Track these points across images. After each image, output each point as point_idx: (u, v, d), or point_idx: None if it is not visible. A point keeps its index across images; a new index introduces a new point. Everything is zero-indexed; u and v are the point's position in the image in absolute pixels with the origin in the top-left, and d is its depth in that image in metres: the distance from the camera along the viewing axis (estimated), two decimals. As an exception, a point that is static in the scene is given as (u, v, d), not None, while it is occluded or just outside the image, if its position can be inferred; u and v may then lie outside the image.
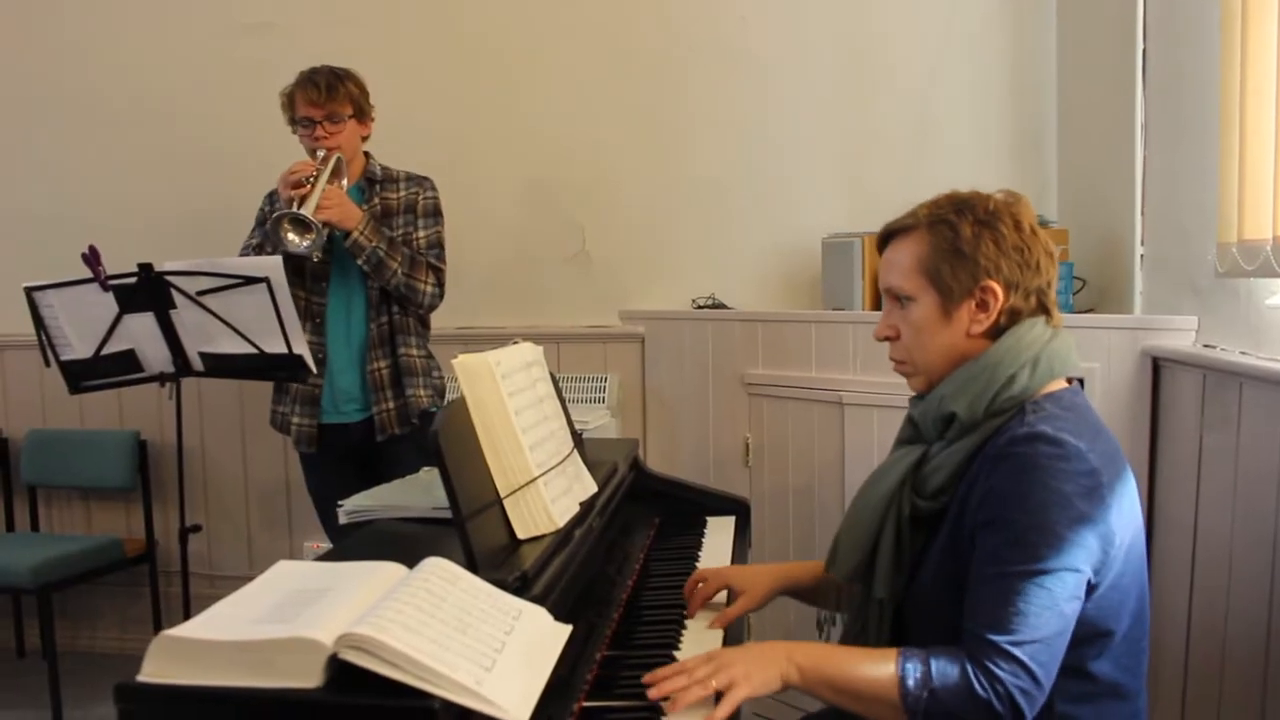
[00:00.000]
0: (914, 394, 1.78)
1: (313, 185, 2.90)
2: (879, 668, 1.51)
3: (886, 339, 1.76)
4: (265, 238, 2.97)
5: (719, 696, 1.49)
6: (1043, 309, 1.67)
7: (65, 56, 4.25)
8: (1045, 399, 1.61)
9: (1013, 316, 1.65)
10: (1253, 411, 2.27)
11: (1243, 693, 2.30)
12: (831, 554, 1.81)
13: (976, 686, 1.45)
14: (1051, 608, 1.47)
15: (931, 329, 1.67)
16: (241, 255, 3.11)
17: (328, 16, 4.04)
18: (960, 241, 1.64)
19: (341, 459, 3.18)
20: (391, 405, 3.10)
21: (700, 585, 1.97)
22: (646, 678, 1.52)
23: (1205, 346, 2.60)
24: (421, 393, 3.12)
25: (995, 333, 1.65)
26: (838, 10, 3.78)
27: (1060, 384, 1.66)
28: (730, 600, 1.95)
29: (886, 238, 1.75)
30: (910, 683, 1.48)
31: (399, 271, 3.00)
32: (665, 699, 1.49)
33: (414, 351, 3.13)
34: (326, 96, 3.03)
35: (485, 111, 4.01)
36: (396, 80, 3.80)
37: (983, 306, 1.64)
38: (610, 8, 3.94)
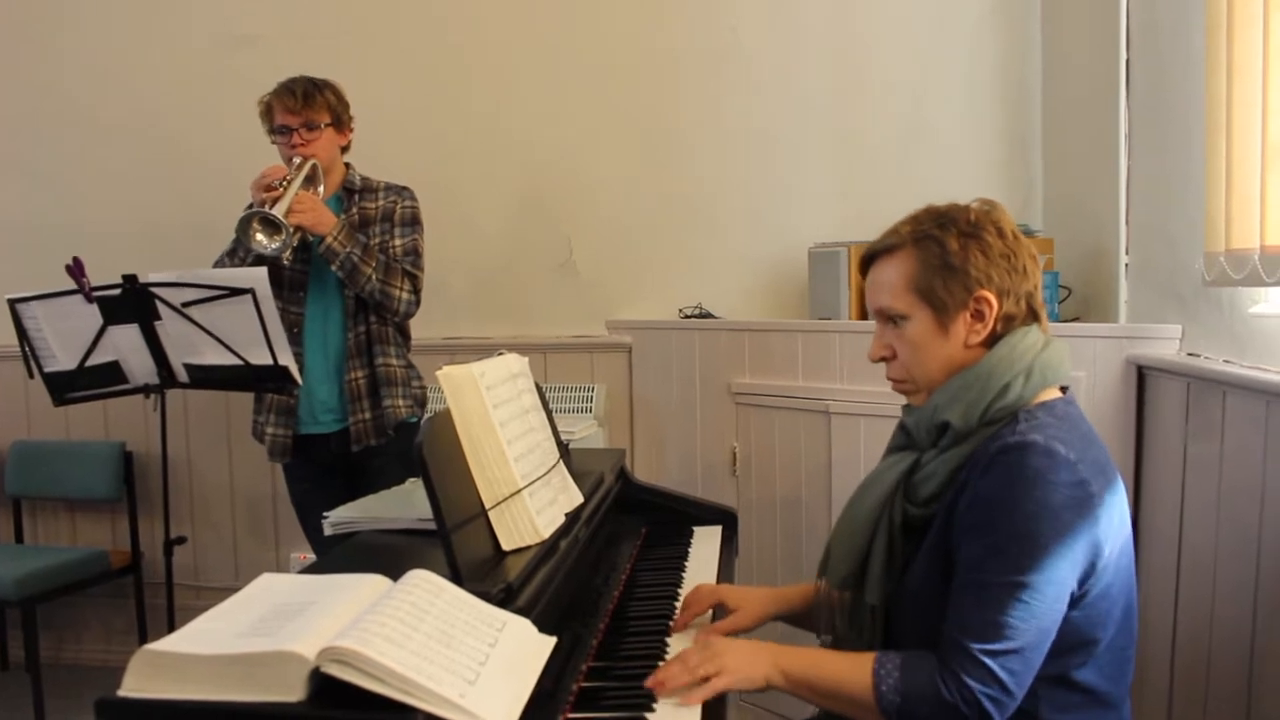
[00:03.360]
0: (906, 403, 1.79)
1: (285, 188, 2.90)
2: (856, 672, 1.55)
3: (883, 359, 1.75)
4: (239, 243, 2.96)
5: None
6: (1032, 314, 1.68)
7: (54, 68, 4.24)
8: (1039, 408, 1.62)
9: (1007, 323, 1.66)
10: (1237, 420, 2.28)
11: (1227, 701, 2.30)
12: (824, 561, 1.82)
13: (943, 690, 1.48)
14: (1029, 619, 1.48)
15: (930, 345, 1.68)
16: (216, 264, 3.11)
17: (317, 28, 4.04)
18: (948, 255, 1.64)
19: (322, 470, 3.17)
20: (368, 415, 3.08)
21: (691, 600, 1.97)
22: (648, 681, 1.57)
23: (1189, 355, 2.60)
24: (400, 403, 3.11)
25: (991, 341, 1.66)
26: (825, 21, 3.80)
27: (1053, 392, 1.67)
28: (721, 617, 1.95)
29: (870, 259, 1.75)
30: (884, 687, 1.52)
31: (373, 277, 2.99)
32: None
33: (393, 361, 3.12)
34: (303, 104, 3.03)
35: (472, 121, 4.02)
36: (384, 91, 3.82)
37: (978, 316, 1.65)
38: (599, 19, 3.95)
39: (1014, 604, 1.47)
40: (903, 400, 1.80)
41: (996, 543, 1.51)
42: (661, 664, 1.73)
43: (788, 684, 1.59)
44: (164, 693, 1.18)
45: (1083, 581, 1.53)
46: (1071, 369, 1.72)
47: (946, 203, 1.71)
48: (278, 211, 2.83)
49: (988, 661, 1.47)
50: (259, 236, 2.88)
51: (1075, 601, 1.53)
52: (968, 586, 1.52)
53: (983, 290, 1.64)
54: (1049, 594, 1.49)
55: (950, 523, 1.60)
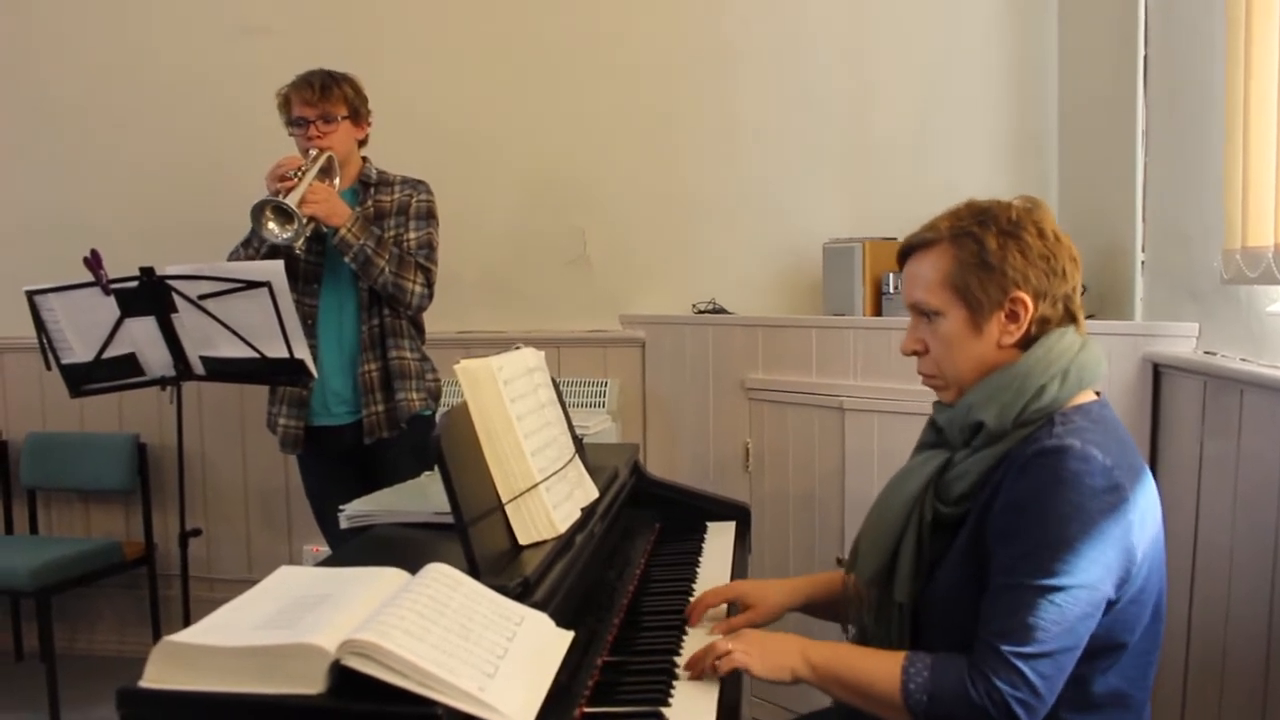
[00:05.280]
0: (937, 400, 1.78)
1: (299, 178, 2.91)
2: (886, 669, 1.54)
3: (915, 353, 1.73)
4: (254, 232, 2.97)
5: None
6: (1070, 316, 1.66)
7: (67, 61, 4.25)
8: (1074, 411, 1.60)
9: (1042, 325, 1.63)
10: (1254, 419, 2.27)
11: (1242, 703, 2.29)
12: (852, 556, 1.81)
13: (971, 692, 1.46)
14: (1062, 623, 1.46)
15: (962, 343, 1.65)
16: (231, 254, 3.12)
17: (328, 20, 4.04)
18: (986, 254, 1.61)
19: (336, 461, 3.18)
20: (381, 408, 3.09)
21: (707, 595, 1.97)
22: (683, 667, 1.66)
23: (1206, 353, 2.60)
24: (413, 395, 3.12)
25: (1025, 342, 1.64)
26: (840, 17, 3.79)
27: (1089, 395, 1.65)
28: (737, 613, 1.95)
29: (907, 252, 1.72)
30: (912, 685, 1.51)
31: (386, 270, 3.00)
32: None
33: (406, 354, 3.13)
34: (320, 96, 3.04)
35: (486, 115, 4.02)
36: (397, 83, 3.81)
37: (1013, 318, 1.63)
38: (613, 12, 3.95)
39: (1046, 607, 1.46)
40: (929, 397, 1.78)
41: (1030, 546, 1.49)
42: (678, 659, 1.74)
43: (815, 677, 1.59)
44: (184, 684, 1.19)
45: (1118, 587, 1.51)
46: (1106, 371, 1.69)
47: (989, 198, 1.69)
48: (291, 201, 2.84)
49: (1018, 664, 1.45)
50: (270, 225, 2.88)
51: (1107, 608, 1.52)
52: (1001, 589, 1.51)
53: (1019, 291, 1.61)
54: (1082, 598, 1.47)
55: (983, 525, 1.58)
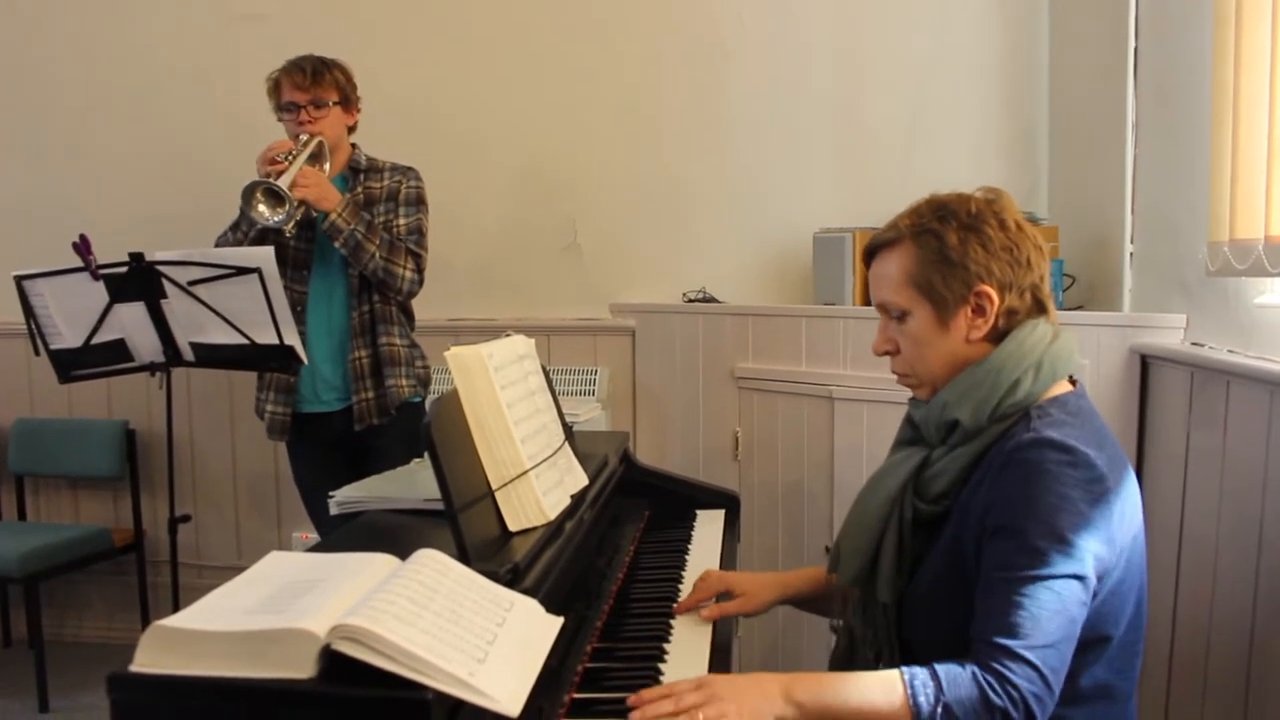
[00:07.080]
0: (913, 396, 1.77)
1: (290, 162, 2.90)
2: (886, 691, 1.45)
3: (886, 353, 1.72)
4: (243, 215, 2.96)
5: None
6: (1039, 305, 1.65)
7: (58, 48, 4.22)
8: (1050, 404, 1.59)
9: (1010, 317, 1.62)
10: (1240, 410, 2.28)
11: (1226, 693, 2.31)
12: (834, 558, 1.79)
13: (991, 694, 1.42)
14: (1061, 612, 1.45)
15: (930, 340, 1.65)
16: (219, 238, 3.11)
17: (321, 9, 4.03)
18: (947, 250, 1.61)
19: (325, 448, 3.18)
20: (370, 395, 3.09)
21: (698, 590, 1.96)
22: (631, 699, 1.45)
23: (1194, 345, 2.61)
24: (403, 383, 3.12)
25: (995, 335, 1.63)
26: (832, 7, 3.78)
27: (1064, 386, 1.64)
28: (727, 599, 1.95)
29: (872, 252, 1.71)
30: (921, 700, 1.43)
31: (377, 255, 2.99)
32: None
33: (396, 341, 3.13)
34: (312, 81, 3.03)
35: (478, 104, 4.01)
36: (389, 72, 3.81)
37: (979, 312, 1.62)
38: (604, 1, 3.94)
39: (1046, 597, 1.44)
40: (908, 390, 1.79)
41: (1021, 541, 1.47)
42: (666, 646, 1.74)
43: (803, 716, 1.47)
44: (175, 668, 1.18)
45: (1099, 578, 1.50)
46: (1080, 359, 1.69)
47: (950, 192, 1.68)
48: (282, 183, 2.84)
49: (1030, 656, 1.42)
50: (260, 207, 2.88)
51: (1091, 599, 1.51)
52: (996, 587, 1.48)
53: (983, 285, 1.60)
54: (1076, 587, 1.46)
55: (965, 523, 1.57)
